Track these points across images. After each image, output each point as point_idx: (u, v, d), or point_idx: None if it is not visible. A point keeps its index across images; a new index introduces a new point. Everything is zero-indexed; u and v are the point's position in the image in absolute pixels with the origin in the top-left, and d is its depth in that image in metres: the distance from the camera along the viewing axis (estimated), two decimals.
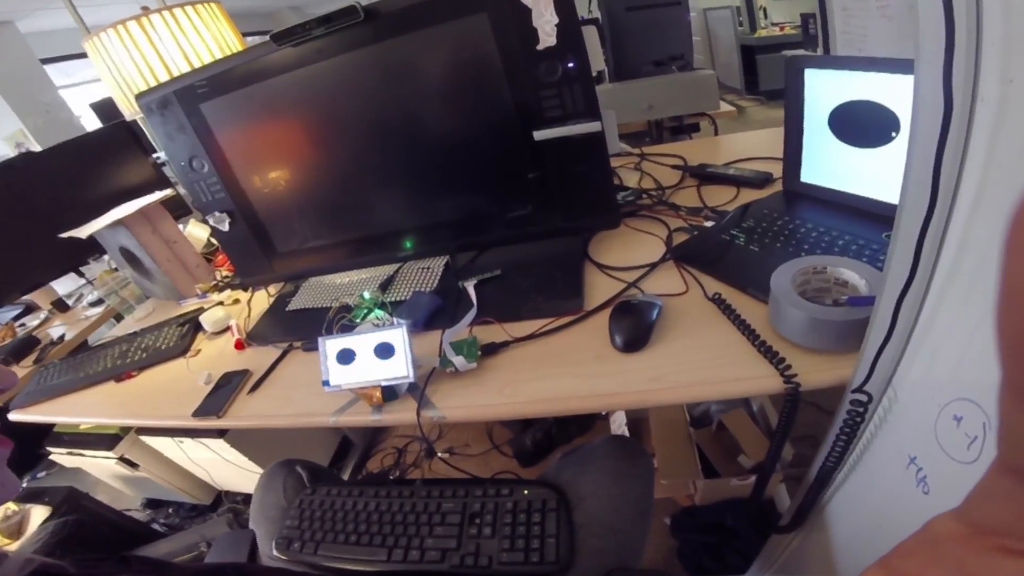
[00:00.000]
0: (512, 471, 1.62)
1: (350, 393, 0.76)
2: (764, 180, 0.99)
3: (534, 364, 0.73)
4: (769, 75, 4.71)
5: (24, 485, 1.92)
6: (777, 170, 0.98)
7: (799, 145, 0.87)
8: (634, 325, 0.70)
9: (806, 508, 0.72)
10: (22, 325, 1.68)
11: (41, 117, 2.87)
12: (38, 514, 1.28)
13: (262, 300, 1.19)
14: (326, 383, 0.74)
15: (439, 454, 1.76)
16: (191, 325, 1.14)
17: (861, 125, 0.76)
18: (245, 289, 1.25)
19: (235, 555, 0.82)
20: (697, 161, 1.13)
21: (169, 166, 1.04)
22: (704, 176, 1.06)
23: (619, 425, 1.53)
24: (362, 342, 0.73)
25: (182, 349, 1.08)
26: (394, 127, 0.89)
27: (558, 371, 0.70)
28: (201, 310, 1.18)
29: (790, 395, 0.59)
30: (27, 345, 1.47)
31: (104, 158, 1.57)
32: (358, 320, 0.93)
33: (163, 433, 1.42)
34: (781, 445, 0.69)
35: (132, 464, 1.49)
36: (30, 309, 1.77)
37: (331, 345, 0.74)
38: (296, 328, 1.02)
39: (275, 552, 0.79)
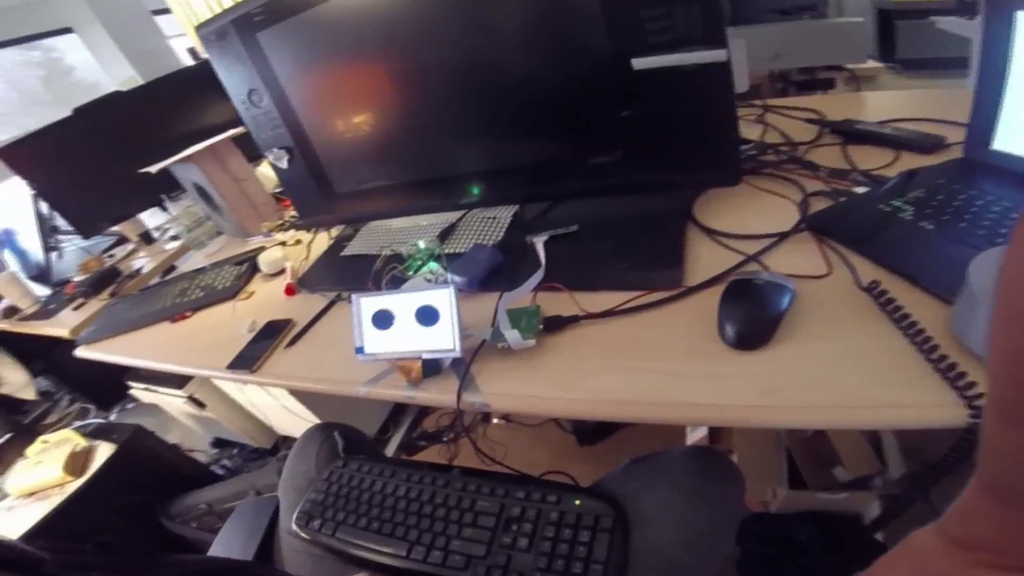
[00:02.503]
0: (565, 454, 1.47)
1: (386, 363, 0.65)
2: (934, 144, 0.75)
3: (606, 350, 0.58)
4: (910, 43, 4.09)
5: (111, 419, 2.04)
6: (950, 135, 0.74)
7: (996, 104, 0.64)
8: (755, 313, 0.52)
9: None
10: (112, 256, 1.75)
11: (151, 63, 3.04)
12: (104, 451, 1.31)
13: (323, 243, 1.12)
14: (359, 350, 0.64)
15: (495, 420, 1.68)
16: (249, 265, 1.10)
17: None
18: (309, 230, 1.18)
19: (254, 527, 0.78)
20: (838, 117, 0.89)
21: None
22: (850, 134, 0.83)
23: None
24: (402, 303, 0.62)
25: (235, 291, 1.04)
26: (466, 56, 0.75)
27: (636, 363, 0.55)
28: (263, 249, 1.13)
29: (970, 429, 0.41)
30: (107, 277, 1.51)
31: (190, 97, 1.58)
32: (410, 273, 0.82)
33: None
34: (933, 486, 0.50)
35: (200, 404, 1.51)
36: (123, 240, 1.84)
37: (367, 305, 0.63)
38: (348, 276, 0.94)
39: (295, 527, 0.72)
